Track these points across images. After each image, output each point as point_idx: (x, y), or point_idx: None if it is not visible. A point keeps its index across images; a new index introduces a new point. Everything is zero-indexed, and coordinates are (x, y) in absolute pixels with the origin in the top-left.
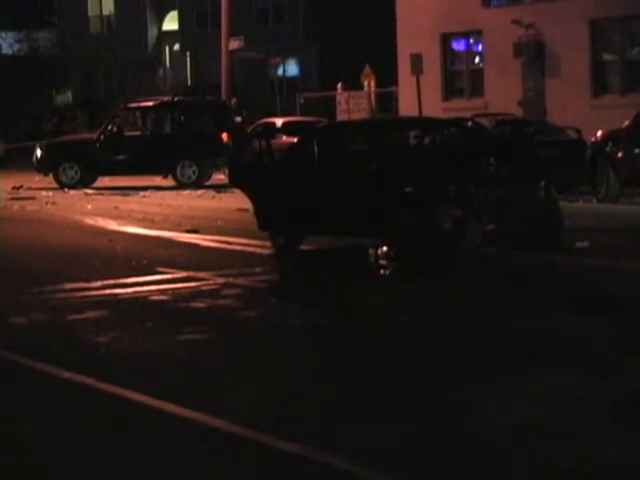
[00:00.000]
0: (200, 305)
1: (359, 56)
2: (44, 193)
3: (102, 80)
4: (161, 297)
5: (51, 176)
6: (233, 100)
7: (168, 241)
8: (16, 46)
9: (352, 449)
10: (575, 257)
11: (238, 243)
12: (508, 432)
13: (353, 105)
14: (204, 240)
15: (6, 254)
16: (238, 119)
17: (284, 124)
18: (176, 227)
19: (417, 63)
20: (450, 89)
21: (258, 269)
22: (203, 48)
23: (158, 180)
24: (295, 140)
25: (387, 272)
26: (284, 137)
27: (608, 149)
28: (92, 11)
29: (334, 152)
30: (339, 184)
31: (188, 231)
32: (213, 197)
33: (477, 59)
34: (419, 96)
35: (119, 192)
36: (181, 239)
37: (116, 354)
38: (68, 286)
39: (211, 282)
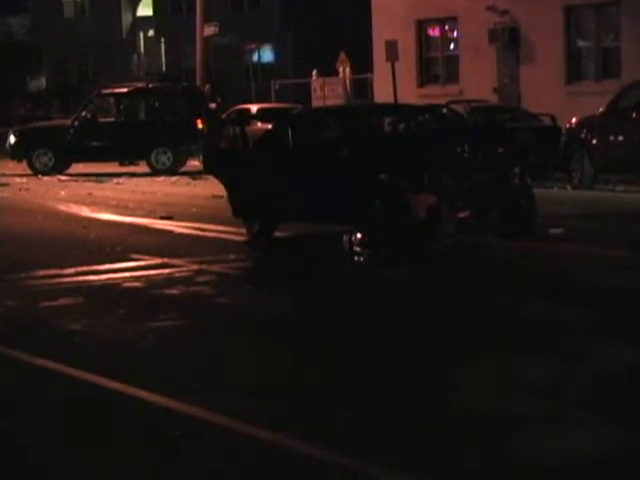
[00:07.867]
0: (174, 292)
1: (334, 42)
2: (17, 180)
3: (76, 66)
4: (135, 284)
5: (25, 162)
6: (207, 86)
7: (142, 228)
8: None
9: (325, 435)
10: (549, 243)
11: (212, 230)
12: (487, 418)
13: (328, 92)
14: (178, 227)
15: None
16: (212, 105)
17: (259, 110)
18: (150, 214)
19: (392, 50)
20: (425, 76)
21: (232, 256)
22: (178, 34)
23: (132, 167)
24: (269, 127)
25: (361, 259)
26: (259, 123)
27: (583, 136)
28: None
29: (308, 139)
30: (313, 171)
31: (162, 218)
32: (188, 184)
33: (452, 46)
34: (394, 83)
35: (93, 178)
36: (155, 226)
37: (90, 341)
38: (41, 273)
39: (185, 269)
